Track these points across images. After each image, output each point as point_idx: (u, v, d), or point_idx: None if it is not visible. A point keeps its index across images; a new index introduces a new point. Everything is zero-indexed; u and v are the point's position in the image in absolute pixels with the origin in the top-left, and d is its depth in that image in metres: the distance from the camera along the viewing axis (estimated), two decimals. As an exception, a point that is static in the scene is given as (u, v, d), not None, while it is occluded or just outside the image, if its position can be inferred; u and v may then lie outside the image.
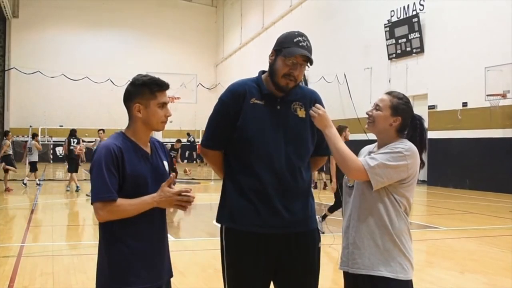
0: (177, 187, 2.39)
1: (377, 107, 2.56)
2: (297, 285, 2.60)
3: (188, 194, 2.33)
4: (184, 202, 2.33)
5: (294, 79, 2.52)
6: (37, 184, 16.27)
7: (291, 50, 2.48)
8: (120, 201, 2.27)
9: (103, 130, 14.39)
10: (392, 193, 2.46)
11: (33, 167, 16.32)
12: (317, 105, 2.52)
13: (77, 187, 14.97)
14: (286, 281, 2.59)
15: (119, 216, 2.29)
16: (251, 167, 2.51)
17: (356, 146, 3.01)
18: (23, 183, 16.00)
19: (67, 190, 15.15)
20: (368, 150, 2.66)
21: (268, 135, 2.52)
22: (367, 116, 2.60)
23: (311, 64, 2.52)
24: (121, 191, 2.30)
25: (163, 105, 2.40)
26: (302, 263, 2.58)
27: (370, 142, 2.72)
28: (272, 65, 2.55)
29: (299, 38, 2.51)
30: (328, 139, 2.48)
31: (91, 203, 2.30)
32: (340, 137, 2.50)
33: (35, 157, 16.33)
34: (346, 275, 2.58)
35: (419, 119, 2.61)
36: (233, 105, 2.55)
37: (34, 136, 17.16)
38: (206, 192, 15.08)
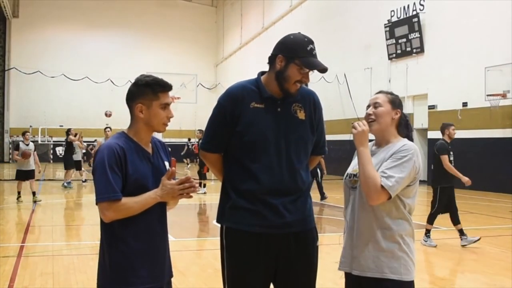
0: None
1: (376, 104, 2.57)
2: (297, 284, 2.60)
3: (190, 181, 2.33)
4: (187, 189, 2.32)
5: (303, 84, 2.55)
6: (82, 181, 17.61)
7: (310, 62, 2.49)
8: (125, 199, 2.28)
9: (109, 127, 14.47)
10: (398, 195, 2.46)
11: (78, 165, 17.44)
12: (364, 121, 2.54)
13: (64, 183, 16.42)
14: (286, 280, 2.59)
15: (125, 215, 2.29)
16: (251, 170, 2.51)
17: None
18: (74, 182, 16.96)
19: (66, 186, 16.19)
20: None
21: (269, 139, 2.52)
22: (367, 116, 2.59)
23: (325, 72, 2.54)
24: (122, 191, 2.29)
25: (165, 106, 2.40)
26: (301, 262, 2.58)
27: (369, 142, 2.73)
28: (282, 71, 2.51)
29: (311, 46, 2.51)
30: (360, 158, 2.48)
31: (96, 204, 2.30)
32: (370, 159, 2.47)
33: (78, 156, 17.46)
34: (349, 276, 2.57)
35: (405, 114, 2.71)
36: (231, 109, 2.54)
37: (76, 135, 17.95)
38: (206, 192, 15.07)
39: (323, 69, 2.50)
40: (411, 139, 2.64)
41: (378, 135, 2.60)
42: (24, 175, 12.51)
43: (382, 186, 2.38)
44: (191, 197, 2.37)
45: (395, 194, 2.41)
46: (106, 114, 13.14)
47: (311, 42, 2.53)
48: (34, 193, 12.48)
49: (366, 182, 2.41)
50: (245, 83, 2.62)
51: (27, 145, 12.68)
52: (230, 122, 2.53)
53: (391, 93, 2.64)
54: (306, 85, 2.63)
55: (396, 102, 2.59)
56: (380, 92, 2.65)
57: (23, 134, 13.18)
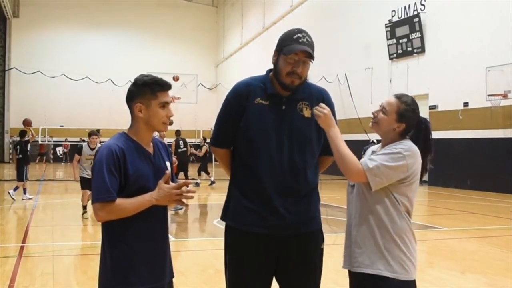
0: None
1: (383, 109, 2.54)
2: (297, 286, 2.59)
3: (188, 188, 2.32)
4: (184, 195, 2.30)
5: (298, 76, 2.49)
6: None
7: (291, 47, 2.46)
8: (119, 200, 2.27)
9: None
10: (392, 192, 2.46)
11: None
12: (322, 104, 2.49)
13: None
14: (286, 282, 2.59)
15: (119, 216, 2.28)
16: (253, 168, 2.51)
17: (357, 146, 3.00)
18: None
19: None
20: (372, 150, 2.66)
21: (271, 136, 2.50)
22: (372, 115, 2.58)
23: (312, 59, 2.49)
24: (123, 192, 2.29)
25: (165, 105, 2.39)
26: (302, 265, 2.57)
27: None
28: (275, 65, 2.54)
29: (299, 35, 2.49)
30: (330, 139, 2.46)
31: (92, 204, 2.29)
32: (341, 138, 2.47)
33: None
34: (350, 273, 2.59)
35: (425, 123, 2.59)
36: (236, 104, 2.55)
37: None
38: (206, 192, 15.07)
39: (309, 54, 2.46)
40: (427, 147, 2.54)
41: (380, 136, 2.60)
42: (89, 183, 10.04)
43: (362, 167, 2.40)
44: (187, 205, 2.36)
45: (376, 180, 2.39)
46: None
47: (301, 31, 2.51)
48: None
49: (342, 159, 2.41)
50: (252, 80, 2.62)
51: (93, 149, 9.77)
52: (235, 118, 2.54)
53: (408, 104, 2.51)
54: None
55: (404, 116, 2.49)
56: (398, 97, 2.55)
57: (90, 135, 10.06)
